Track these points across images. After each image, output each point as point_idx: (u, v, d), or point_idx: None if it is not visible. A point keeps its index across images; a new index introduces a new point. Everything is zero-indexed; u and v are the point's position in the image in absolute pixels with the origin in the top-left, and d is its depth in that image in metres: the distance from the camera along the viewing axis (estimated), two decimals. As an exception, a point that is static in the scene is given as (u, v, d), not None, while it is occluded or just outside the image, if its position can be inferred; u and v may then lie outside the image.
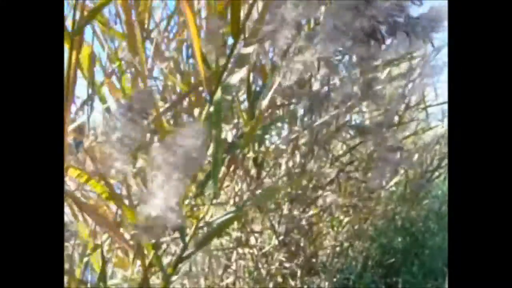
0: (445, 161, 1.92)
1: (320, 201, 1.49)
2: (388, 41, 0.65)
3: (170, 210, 0.56)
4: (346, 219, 1.67)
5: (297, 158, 1.32)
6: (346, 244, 1.77)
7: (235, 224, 1.31)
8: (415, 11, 0.64)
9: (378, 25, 0.61)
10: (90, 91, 0.95)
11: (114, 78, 0.99)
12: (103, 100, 0.95)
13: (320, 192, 1.44)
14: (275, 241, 1.37)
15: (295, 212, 1.40)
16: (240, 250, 1.37)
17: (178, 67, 1.04)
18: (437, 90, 1.71)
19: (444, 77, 1.42)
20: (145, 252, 0.77)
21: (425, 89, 1.58)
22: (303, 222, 1.44)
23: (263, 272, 1.37)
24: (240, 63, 0.76)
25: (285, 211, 1.38)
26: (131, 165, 0.61)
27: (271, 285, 1.39)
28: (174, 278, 0.84)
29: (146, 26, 0.96)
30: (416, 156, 1.94)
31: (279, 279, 1.44)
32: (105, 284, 0.80)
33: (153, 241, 0.72)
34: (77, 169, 0.75)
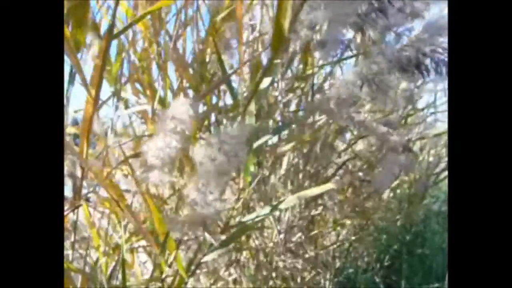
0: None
1: (321, 200, 1.49)
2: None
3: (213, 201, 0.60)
4: (347, 219, 1.66)
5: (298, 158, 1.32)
6: (346, 244, 1.76)
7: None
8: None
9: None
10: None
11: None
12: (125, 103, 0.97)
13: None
14: (276, 239, 1.37)
15: (297, 210, 1.40)
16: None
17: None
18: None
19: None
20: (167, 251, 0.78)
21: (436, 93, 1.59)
22: (305, 220, 1.44)
23: (264, 271, 1.37)
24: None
25: (288, 210, 1.38)
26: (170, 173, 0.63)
27: (271, 283, 1.39)
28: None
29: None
30: (421, 158, 1.93)
31: (280, 279, 1.44)
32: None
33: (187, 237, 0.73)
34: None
